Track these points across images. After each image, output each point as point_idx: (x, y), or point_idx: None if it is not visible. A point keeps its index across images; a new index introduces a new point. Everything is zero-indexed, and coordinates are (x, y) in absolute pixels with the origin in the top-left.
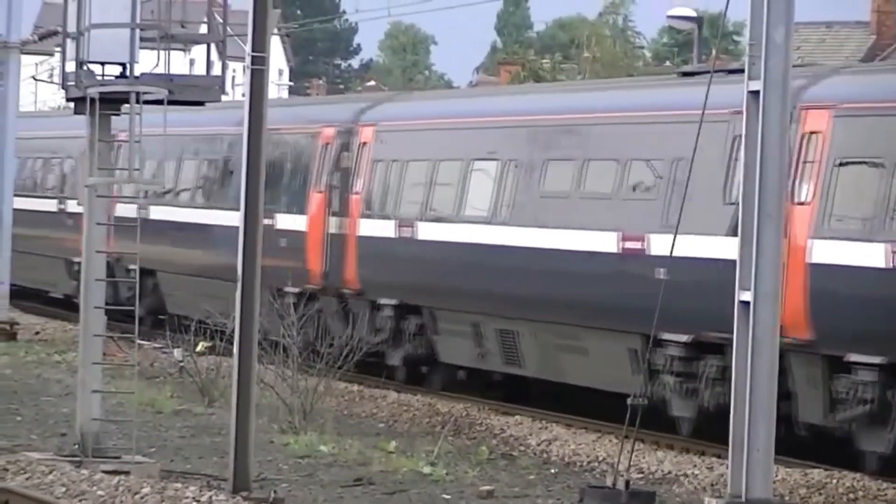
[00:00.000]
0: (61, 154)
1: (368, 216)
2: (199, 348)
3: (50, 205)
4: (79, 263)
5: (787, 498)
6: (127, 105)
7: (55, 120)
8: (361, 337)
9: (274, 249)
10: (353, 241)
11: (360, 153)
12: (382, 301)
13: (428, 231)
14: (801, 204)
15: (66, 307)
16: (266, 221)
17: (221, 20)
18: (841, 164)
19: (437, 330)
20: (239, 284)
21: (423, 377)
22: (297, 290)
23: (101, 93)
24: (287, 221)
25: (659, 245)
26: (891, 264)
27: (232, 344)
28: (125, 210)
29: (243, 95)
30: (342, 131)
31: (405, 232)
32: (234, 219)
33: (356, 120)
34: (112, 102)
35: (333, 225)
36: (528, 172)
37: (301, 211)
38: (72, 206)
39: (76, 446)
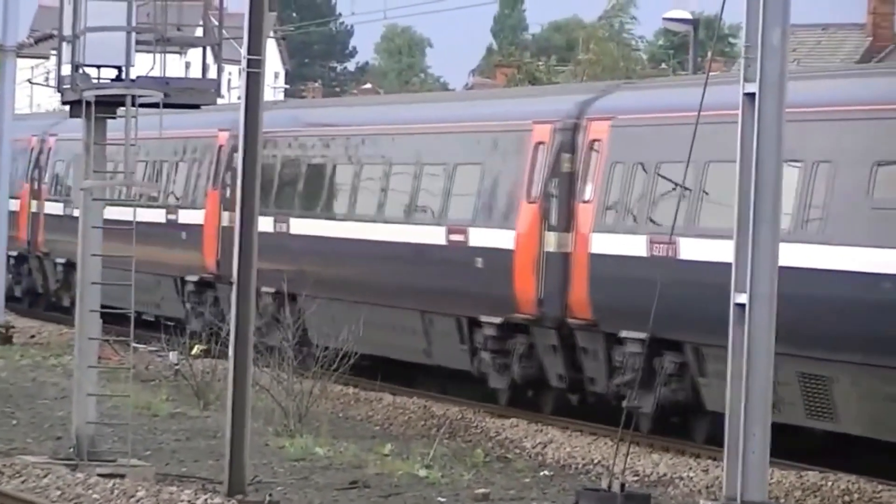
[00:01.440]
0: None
1: (605, 230)
2: (194, 351)
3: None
4: (190, 283)
5: (782, 500)
6: (123, 108)
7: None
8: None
9: (466, 271)
10: (582, 259)
11: (588, 154)
12: (625, 334)
13: (695, 249)
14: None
15: (61, 311)
16: (455, 237)
17: (217, 23)
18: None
19: (703, 371)
20: (234, 287)
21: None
22: (498, 319)
23: (96, 96)
24: (486, 237)
25: None
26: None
27: (227, 347)
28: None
29: (239, 98)
30: (562, 128)
31: (660, 249)
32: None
33: (580, 114)
34: (108, 105)
35: (552, 242)
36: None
37: (506, 225)
38: (184, 216)
39: (71, 450)
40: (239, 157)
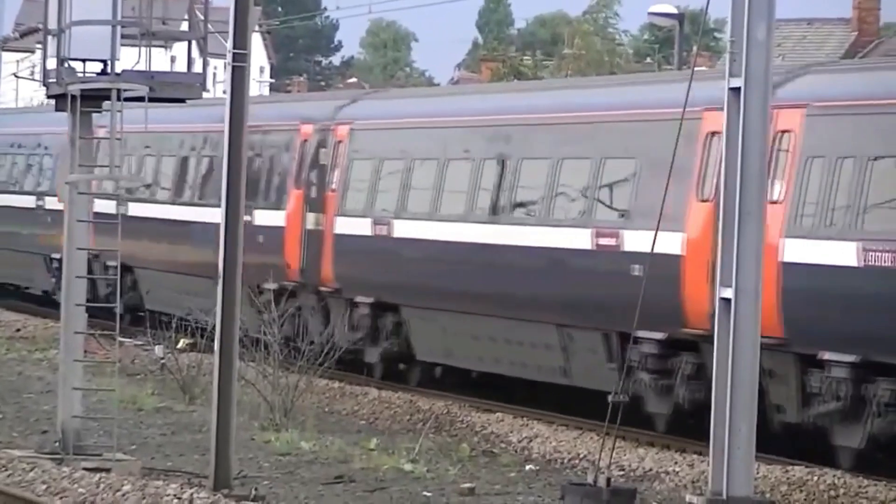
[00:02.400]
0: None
1: (800, 235)
2: (180, 345)
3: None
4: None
5: (768, 495)
6: (108, 102)
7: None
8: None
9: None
10: (772, 267)
11: (780, 144)
12: (828, 356)
13: None
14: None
15: (47, 304)
16: (605, 241)
17: (203, 17)
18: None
19: None
20: (219, 281)
21: None
22: (660, 335)
23: (82, 90)
24: (644, 241)
25: None
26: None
27: (213, 341)
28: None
29: (224, 93)
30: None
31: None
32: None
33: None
34: (93, 99)
35: (795, 250)
36: None
37: (670, 226)
38: (261, 218)
39: (57, 444)
40: (224, 152)
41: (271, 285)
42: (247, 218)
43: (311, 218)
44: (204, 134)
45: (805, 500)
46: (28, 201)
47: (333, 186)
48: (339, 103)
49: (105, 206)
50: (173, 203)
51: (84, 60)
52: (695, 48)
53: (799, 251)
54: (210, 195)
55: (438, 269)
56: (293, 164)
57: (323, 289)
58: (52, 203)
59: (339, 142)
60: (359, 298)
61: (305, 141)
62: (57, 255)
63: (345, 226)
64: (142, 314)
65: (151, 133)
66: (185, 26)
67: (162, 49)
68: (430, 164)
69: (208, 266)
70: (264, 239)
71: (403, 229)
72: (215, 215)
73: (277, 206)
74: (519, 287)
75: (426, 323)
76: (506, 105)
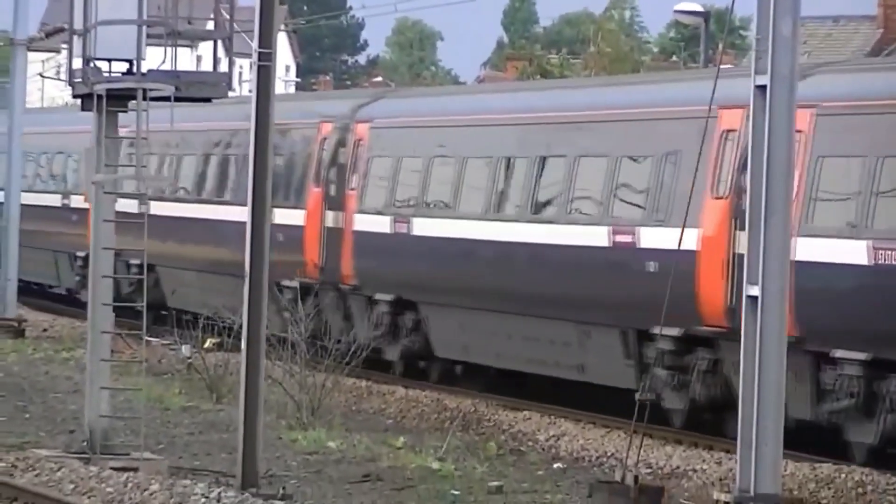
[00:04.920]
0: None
1: (811, 234)
2: (206, 344)
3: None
4: (288, 289)
5: (795, 492)
6: (134, 102)
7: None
8: None
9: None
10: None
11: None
12: (840, 354)
13: None
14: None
15: (73, 304)
16: (622, 238)
17: (228, 16)
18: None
19: None
20: (246, 280)
21: None
22: (676, 332)
23: (107, 90)
24: (660, 238)
25: None
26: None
27: (240, 340)
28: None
29: (250, 91)
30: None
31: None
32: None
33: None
34: (119, 99)
35: (807, 249)
36: None
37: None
38: (280, 216)
39: (84, 443)
40: (250, 151)
41: (292, 283)
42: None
43: (330, 216)
44: (229, 132)
45: (833, 497)
46: (54, 200)
47: (353, 185)
48: (358, 102)
49: (124, 204)
50: (197, 202)
51: (110, 60)
52: (720, 46)
53: (811, 250)
54: (234, 193)
55: (457, 266)
56: (313, 163)
57: (343, 286)
58: (77, 201)
59: (359, 140)
60: (378, 296)
61: (325, 139)
62: (81, 254)
63: (364, 223)
64: (164, 313)
65: (176, 132)
66: (210, 25)
67: (188, 48)
68: (449, 161)
69: (234, 264)
70: (284, 237)
71: (423, 227)
72: (238, 214)
73: (297, 204)
74: (537, 284)
75: (445, 320)
76: (530, 103)
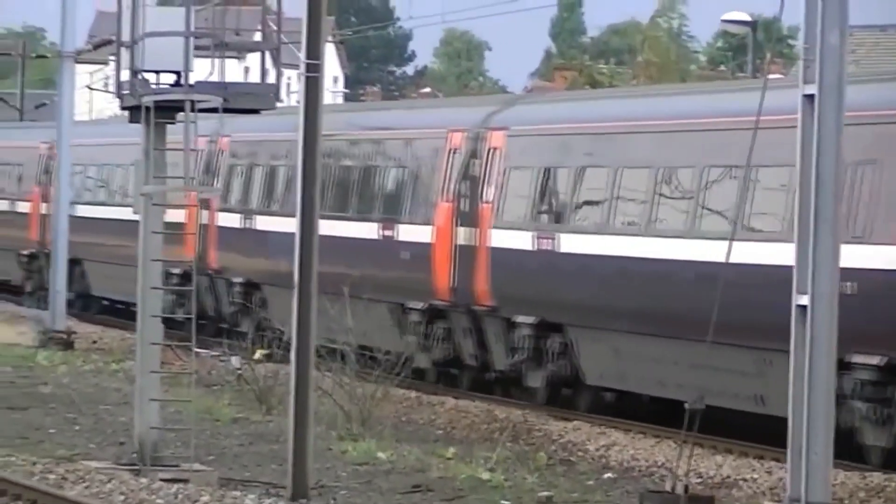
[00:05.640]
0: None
1: None
2: (256, 356)
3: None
4: (414, 311)
5: (846, 502)
6: (182, 113)
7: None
8: None
9: None
10: None
11: None
12: None
13: None
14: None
15: (125, 316)
16: None
17: (276, 28)
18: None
19: None
20: (295, 292)
21: None
22: (877, 360)
23: (155, 101)
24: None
25: None
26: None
27: (289, 351)
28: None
29: (297, 103)
30: None
31: None
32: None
33: None
34: (167, 111)
35: None
36: None
37: (882, 238)
38: (406, 233)
39: (134, 455)
40: (298, 162)
41: (418, 305)
42: (389, 233)
43: (462, 232)
44: (285, 144)
45: None
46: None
47: (488, 197)
48: (491, 108)
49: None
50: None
51: (157, 72)
52: (768, 55)
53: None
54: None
55: (611, 286)
56: (441, 175)
57: (477, 308)
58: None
59: (494, 149)
60: (519, 318)
61: (454, 149)
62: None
63: (502, 239)
64: (203, 322)
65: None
66: (258, 37)
67: (235, 60)
68: (601, 172)
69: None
70: (410, 255)
71: (571, 243)
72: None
73: (424, 220)
74: (705, 306)
75: (597, 344)
76: (692, 108)
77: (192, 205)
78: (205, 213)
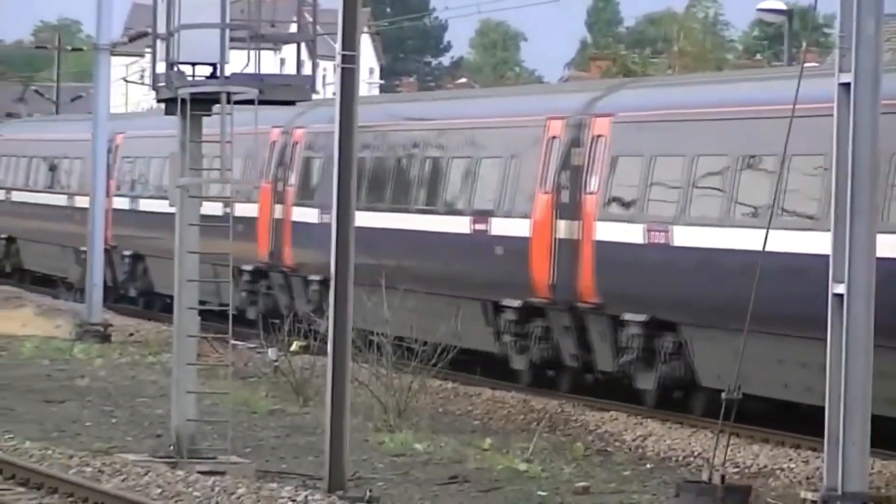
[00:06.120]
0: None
1: None
2: (293, 348)
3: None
4: (510, 309)
5: (883, 490)
6: (218, 105)
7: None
8: None
9: None
10: None
11: None
12: None
13: None
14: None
15: (161, 308)
16: None
17: (311, 19)
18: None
19: None
20: (332, 283)
21: None
22: None
23: (191, 93)
24: None
25: None
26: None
27: (326, 343)
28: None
29: (334, 94)
30: None
31: None
32: None
33: None
34: (203, 103)
35: None
36: None
37: None
38: (499, 226)
39: (171, 447)
40: (335, 154)
41: (514, 302)
42: (481, 227)
43: (562, 225)
44: (367, 134)
45: None
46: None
47: (592, 188)
48: (593, 94)
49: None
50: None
51: (193, 64)
52: (804, 44)
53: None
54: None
55: (732, 282)
56: (538, 165)
57: (580, 305)
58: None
59: (598, 137)
60: (627, 316)
61: (554, 138)
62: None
63: (608, 233)
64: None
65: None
66: (293, 28)
67: (271, 51)
68: (720, 160)
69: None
70: (504, 250)
71: (686, 236)
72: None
73: (521, 213)
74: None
75: (714, 344)
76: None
77: (261, 200)
78: (279, 207)
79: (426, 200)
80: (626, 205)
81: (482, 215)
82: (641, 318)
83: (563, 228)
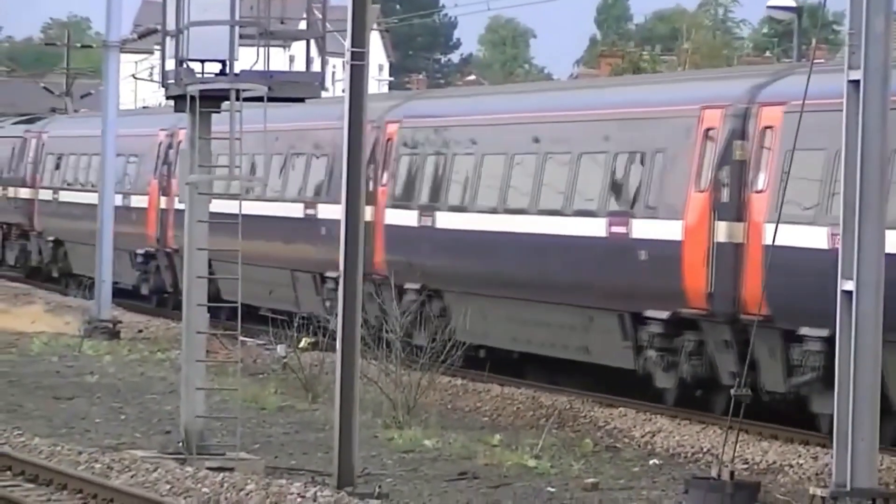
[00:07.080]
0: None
1: None
2: (302, 344)
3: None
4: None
5: (892, 486)
6: (227, 102)
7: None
8: None
9: None
10: None
11: None
12: None
13: None
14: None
15: (170, 304)
16: None
17: (321, 16)
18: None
19: None
20: (341, 280)
21: None
22: None
23: (200, 90)
24: None
25: None
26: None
27: (335, 340)
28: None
29: (343, 91)
30: None
31: None
32: None
33: None
34: (212, 100)
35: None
36: None
37: None
38: (641, 230)
39: (180, 444)
40: (344, 150)
41: (660, 314)
42: (622, 230)
43: (722, 228)
44: (472, 128)
45: None
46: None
47: (759, 186)
48: (757, 80)
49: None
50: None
51: (203, 61)
52: (813, 41)
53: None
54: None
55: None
56: (692, 161)
57: (746, 317)
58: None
59: (767, 128)
60: (804, 331)
61: (710, 129)
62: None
63: (783, 236)
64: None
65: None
66: (303, 25)
67: (280, 48)
68: None
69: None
70: (649, 255)
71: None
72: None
73: (670, 214)
74: None
75: None
76: None
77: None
78: (369, 209)
79: (552, 201)
80: (805, 205)
81: (621, 216)
82: (823, 332)
83: (723, 231)
